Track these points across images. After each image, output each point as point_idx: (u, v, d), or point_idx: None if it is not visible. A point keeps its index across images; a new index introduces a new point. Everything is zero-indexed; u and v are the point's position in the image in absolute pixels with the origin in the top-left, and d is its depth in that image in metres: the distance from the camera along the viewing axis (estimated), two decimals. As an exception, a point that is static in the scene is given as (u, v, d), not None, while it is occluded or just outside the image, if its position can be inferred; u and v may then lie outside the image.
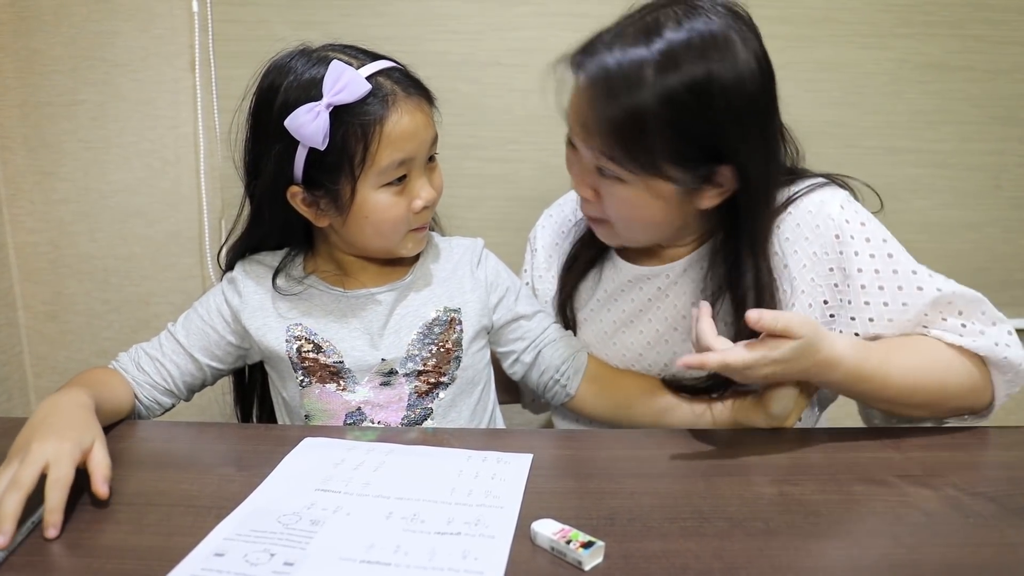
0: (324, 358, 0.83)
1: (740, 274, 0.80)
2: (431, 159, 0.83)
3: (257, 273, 0.87)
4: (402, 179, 0.80)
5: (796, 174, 0.87)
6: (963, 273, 1.47)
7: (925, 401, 0.76)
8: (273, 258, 0.89)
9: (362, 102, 0.75)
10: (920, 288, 0.77)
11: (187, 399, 0.89)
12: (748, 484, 0.66)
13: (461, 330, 0.86)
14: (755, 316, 0.69)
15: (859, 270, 0.78)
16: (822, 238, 0.80)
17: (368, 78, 0.76)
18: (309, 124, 0.74)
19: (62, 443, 0.61)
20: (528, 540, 0.56)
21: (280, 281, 0.86)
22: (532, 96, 1.36)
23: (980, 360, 0.76)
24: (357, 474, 0.66)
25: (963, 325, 0.77)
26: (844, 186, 0.86)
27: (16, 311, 1.49)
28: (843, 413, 1.62)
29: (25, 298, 1.49)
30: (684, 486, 0.65)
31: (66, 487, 0.58)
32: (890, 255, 0.79)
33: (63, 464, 0.59)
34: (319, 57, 0.79)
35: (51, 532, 0.56)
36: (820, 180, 0.85)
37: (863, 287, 0.78)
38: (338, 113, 0.75)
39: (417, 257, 0.90)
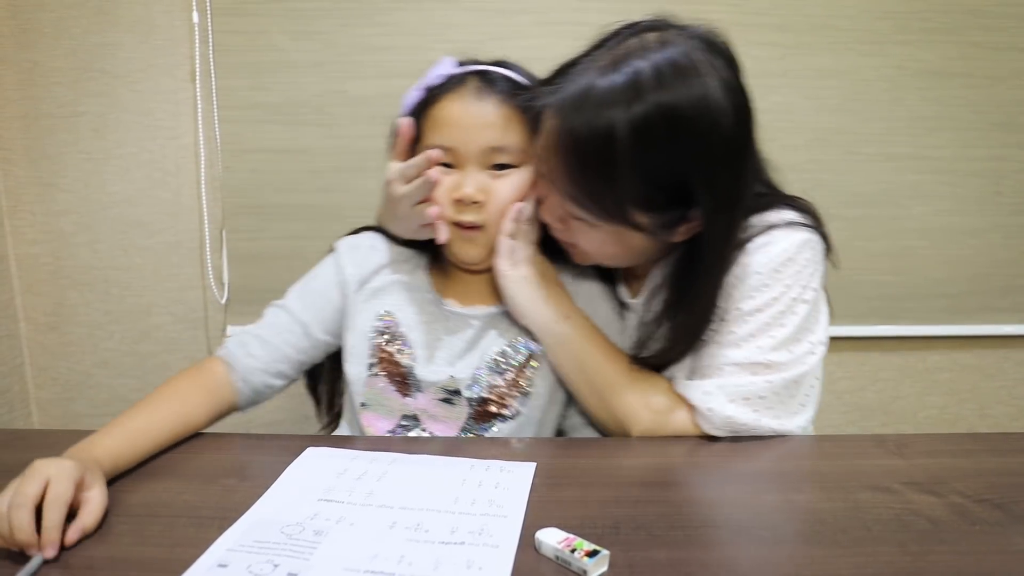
0: (398, 356, 0.84)
1: (692, 297, 0.77)
2: (501, 167, 0.81)
3: (376, 249, 0.90)
4: (445, 167, 0.81)
5: (765, 198, 0.80)
6: (963, 279, 1.48)
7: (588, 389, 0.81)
8: (397, 249, 0.91)
9: (440, 86, 0.82)
10: (739, 347, 0.75)
11: (294, 380, 0.89)
12: (754, 492, 0.66)
13: (535, 371, 0.85)
14: None
15: (736, 308, 0.76)
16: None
17: (459, 73, 0.82)
18: (406, 99, 0.84)
19: (63, 462, 0.60)
20: (532, 549, 0.56)
21: (394, 265, 0.89)
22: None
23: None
24: (360, 484, 0.66)
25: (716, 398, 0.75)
26: (808, 224, 0.78)
27: (17, 322, 1.49)
28: (845, 421, 1.62)
29: (26, 309, 1.49)
30: (689, 494, 0.65)
31: (63, 505, 0.57)
32: (780, 309, 0.75)
33: (62, 481, 0.58)
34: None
35: (48, 552, 0.55)
36: (785, 220, 0.78)
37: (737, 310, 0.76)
38: (424, 94, 0.83)
39: None
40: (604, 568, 0.53)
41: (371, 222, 1.46)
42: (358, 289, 0.87)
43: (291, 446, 0.75)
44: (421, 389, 0.84)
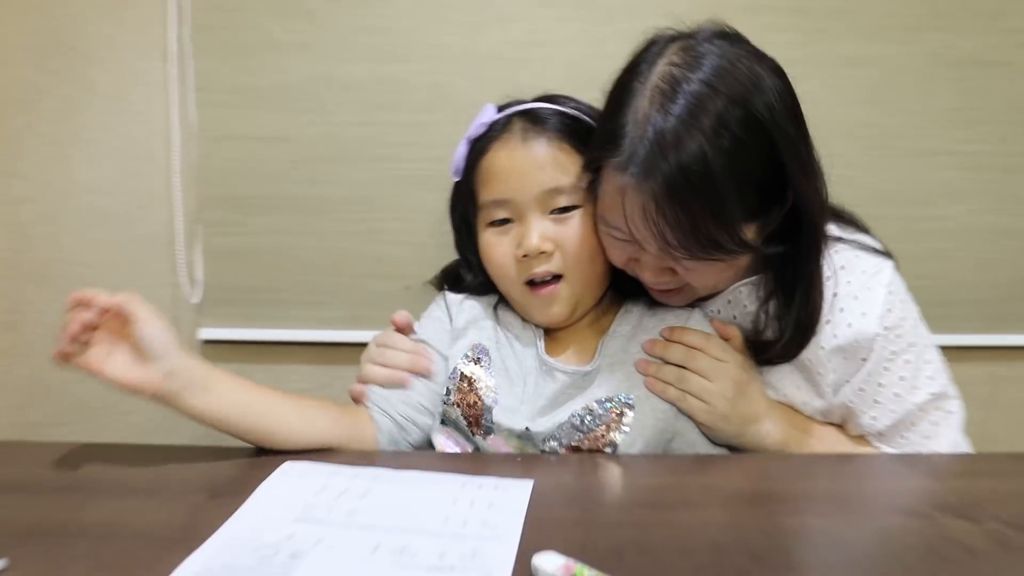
0: (480, 391, 0.84)
1: (794, 291, 0.83)
2: (564, 210, 0.83)
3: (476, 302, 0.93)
4: (504, 222, 0.84)
5: (845, 219, 0.93)
6: (1000, 284, 1.48)
7: None
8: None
9: (484, 136, 0.86)
10: (916, 388, 0.84)
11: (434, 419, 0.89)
12: (770, 515, 0.65)
13: (626, 428, 0.82)
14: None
15: (886, 369, 0.84)
16: (862, 332, 0.82)
17: (504, 117, 0.86)
18: (455, 155, 0.88)
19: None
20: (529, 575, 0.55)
21: (500, 309, 0.92)
22: (536, 92, 1.35)
23: None
24: (341, 502, 0.65)
25: (925, 437, 0.85)
26: (889, 255, 0.90)
27: (-28, 321, 1.48)
28: (871, 437, 1.60)
29: (-18, 307, 1.48)
30: (700, 516, 0.65)
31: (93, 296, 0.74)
32: (908, 360, 0.84)
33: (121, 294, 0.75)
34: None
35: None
36: (875, 247, 0.90)
37: (880, 385, 0.84)
38: (470, 146, 0.88)
39: (607, 328, 0.88)
40: (607, 598, 0.52)
41: (360, 217, 1.46)
42: (459, 310, 0.90)
43: (266, 460, 0.74)
44: (493, 432, 0.84)
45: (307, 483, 0.69)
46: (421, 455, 0.81)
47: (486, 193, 0.85)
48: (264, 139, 1.41)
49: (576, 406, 0.83)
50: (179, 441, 0.85)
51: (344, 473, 0.71)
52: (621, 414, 0.82)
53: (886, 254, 0.88)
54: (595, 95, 0.85)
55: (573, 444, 0.82)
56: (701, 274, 0.80)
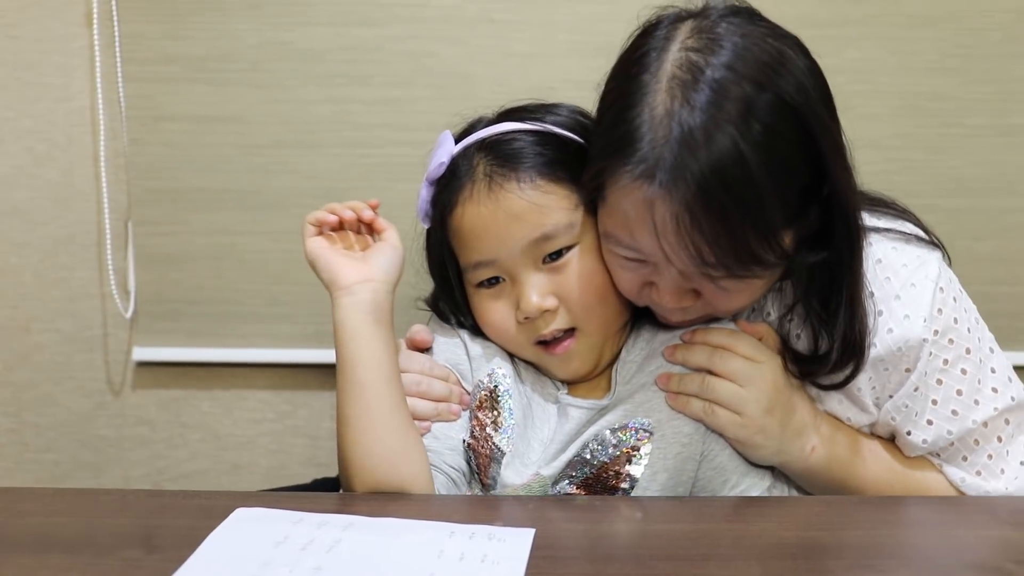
0: (493, 433, 0.87)
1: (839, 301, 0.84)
2: (556, 255, 0.85)
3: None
4: (494, 281, 0.87)
5: (878, 205, 0.93)
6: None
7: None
8: None
9: (447, 183, 0.88)
10: (977, 402, 0.86)
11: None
12: (818, 570, 0.66)
13: (644, 459, 0.84)
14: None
15: (939, 382, 0.86)
16: (906, 339, 0.84)
17: (462, 152, 0.88)
18: (419, 197, 0.91)
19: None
20: (530, 643, 0.56)
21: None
22: (535, 62, 1.37)
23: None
24: (305, 556, 0.66)
25: (989, 456, 0.87)
26: (937, 244, 0.91)
27: None
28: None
29: None
30: (735, 572, 0.66)
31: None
32: (964, 370, 0.86)
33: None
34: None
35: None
36: (918, 235, 0.91)
37: (934, 402, 0.86)
38: (433, 191, 0.90)
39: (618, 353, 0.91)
40: (622, 667, 0.54)
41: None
42: (472, 337, 0.93)
43: (215, 506, 0.75)
44: (495, 487, 0.86)
45: (265, 533, 0.70)
46: (401, 497, 0.82)
47: (465, 255, 0.88)
48: (206, 120, 1.42)
49: (587, 438, 0.85)
50: (108, 483, 0.86)
51: (309, 521, 0.72)
52: (638, 442, 0.84)
53: (932, 243, 0.90)
54: (604, 64, 0.85)
55: (584, 479, 0.84)
56: (732, 296, 0.81)
